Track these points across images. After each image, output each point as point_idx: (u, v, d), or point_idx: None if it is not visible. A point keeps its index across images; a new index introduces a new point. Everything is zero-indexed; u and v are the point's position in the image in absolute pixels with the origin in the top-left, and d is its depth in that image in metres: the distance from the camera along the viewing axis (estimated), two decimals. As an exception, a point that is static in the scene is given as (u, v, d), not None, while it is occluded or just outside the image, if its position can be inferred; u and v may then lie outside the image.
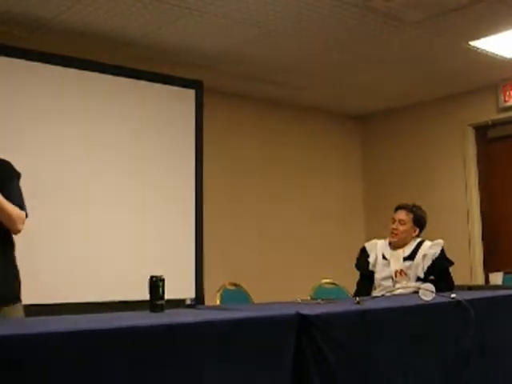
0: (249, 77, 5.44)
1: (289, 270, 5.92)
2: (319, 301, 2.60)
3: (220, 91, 5.60)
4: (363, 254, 3.98)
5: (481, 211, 5.92)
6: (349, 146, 6.86)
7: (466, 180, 5.96)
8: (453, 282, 3.75)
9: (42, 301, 3.84)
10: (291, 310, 2.02)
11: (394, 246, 3.88)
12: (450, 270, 3.79)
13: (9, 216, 2.54)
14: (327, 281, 4.52)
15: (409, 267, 3.77)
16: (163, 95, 4.86)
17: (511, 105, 5.67)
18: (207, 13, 4.10)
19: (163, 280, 2.19)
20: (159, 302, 2.17)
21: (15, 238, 2.67)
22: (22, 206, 2.63)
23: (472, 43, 4.75)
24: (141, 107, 4.73)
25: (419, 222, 3.91)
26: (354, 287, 3.96)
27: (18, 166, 2.73)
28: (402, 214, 3.91)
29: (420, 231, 3.93)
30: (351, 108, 6.64)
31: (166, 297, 2.21)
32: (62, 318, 1.98)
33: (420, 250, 3.79)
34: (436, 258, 3.72)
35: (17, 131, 4.15)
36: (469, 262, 5.83)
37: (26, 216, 2.64)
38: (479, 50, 4.89)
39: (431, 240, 3.84)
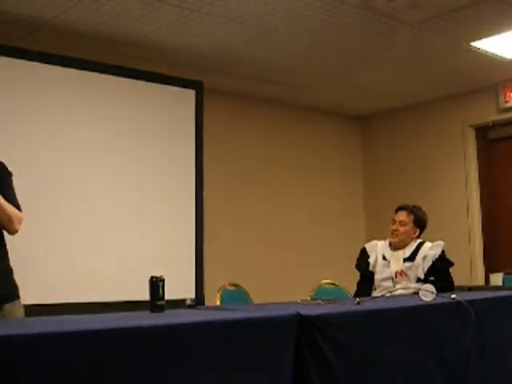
0: (249, 77, 5.44)
1: (289, 271, 5.91)
2: (319, 301, 2.59)
3: (220, 91, 5.60)
4: (363, 255, 3.98)
5: (481, 211, 5.92)
6: (349, 147, 6.86)
7: (467, 181, 5.96)
8: (453, 283, 3.75)
9: (42, 301, 3.84)
10: (291, 311, 2.02)
11: (394, 247, 3.88)
12: (451, 270, 3.79)
13: (9, 217, 2.58)
14: (327, 281, 4.52)
15: (409, 268, 3.76)
16: (163, 95, 4.85)
17: (511, 106, 5.67)
18: (207, 13, 4.10)
19: (163, 280, 2.20)
20: (159, 303, 2.18)
21: (11, 237, 2.69)
22: (19, 207, 2.66)
23: (473, 44, 4.75)
24: (141, 107, 4.72)
25: (420, 223, 3.91)
26: (354, 288, 3.96)
27: (17, 166, 2.74)
28: (402, 215, 3.91)
29: (420, 232, 3.93)
30: (352, 108, 6.63)
31: (167, 297, 2.21)
32: (62, 318, 1.99)
33: (420, 251, 3.78)
34: (436, 259, 3.72)
35: (17, 131, 4.14)
36: (469, 262, 5.82)
37: None
38: (480, 51, 4.89)
39: (432, 241, 3.84)
